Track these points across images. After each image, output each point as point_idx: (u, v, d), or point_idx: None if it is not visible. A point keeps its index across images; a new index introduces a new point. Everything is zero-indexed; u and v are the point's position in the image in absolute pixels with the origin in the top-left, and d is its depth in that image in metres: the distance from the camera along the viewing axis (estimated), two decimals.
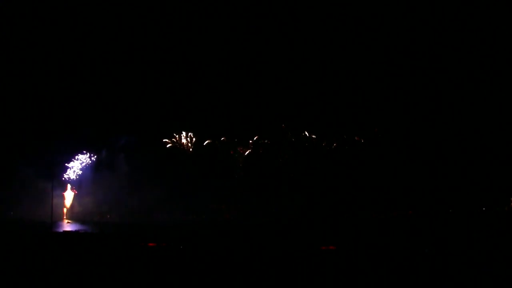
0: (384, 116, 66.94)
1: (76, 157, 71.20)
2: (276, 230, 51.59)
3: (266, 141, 69.87)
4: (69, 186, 71.27)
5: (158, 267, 26.86)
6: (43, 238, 40.32)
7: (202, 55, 71.64)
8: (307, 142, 69.10)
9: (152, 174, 66.71)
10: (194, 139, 71.93)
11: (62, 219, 66.83)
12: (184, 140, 71.81)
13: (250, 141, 70.01)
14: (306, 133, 69.20)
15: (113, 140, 70.03)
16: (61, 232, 46.14)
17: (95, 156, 71.41)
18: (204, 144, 71.23)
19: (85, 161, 71.47)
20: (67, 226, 59.15)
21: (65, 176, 70.99)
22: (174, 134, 71.74)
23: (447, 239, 35.63)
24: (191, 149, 71.65)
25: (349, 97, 68.64)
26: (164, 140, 71.28)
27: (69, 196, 71.05)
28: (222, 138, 70.30)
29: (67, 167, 71.04)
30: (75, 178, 71.28)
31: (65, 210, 70.33)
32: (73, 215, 69.70)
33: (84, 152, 71.20)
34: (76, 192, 71.14)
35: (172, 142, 71.71)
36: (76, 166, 71.36)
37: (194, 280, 23.03)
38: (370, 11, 67.39)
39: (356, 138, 66.66)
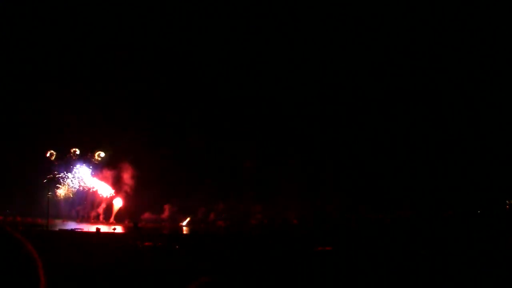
0: (384, 116, 66.76)
1: (76, 151, 70.79)
2: (273, 231, 51.40)
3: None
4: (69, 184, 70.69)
5: (155, 267, 26.64)
6: (40, 236, 40.21)
7: (202, 55, 71.44)
8: (306, 142, 68.80)
9: (151, 174, 66.32)
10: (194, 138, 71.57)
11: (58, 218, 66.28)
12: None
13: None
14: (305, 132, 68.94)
15: (114, 140, 69.44)
16: (56, 231, 46.02)
17: (97, 155, 70.91)
18: (204, 143, 70.88)
19: (87, 159, 71.09)
20: (62, 225, 58.85)
21: (63, 174, 70.66)
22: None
23: (446, 240, 35.41)
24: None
25: (349, 97, 68.44)
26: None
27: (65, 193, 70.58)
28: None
29: (67, 164, 70.68)
30: (74, 175, 70.91)
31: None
32: (70, 214, 69.19)
33: (84, 149, 70.78)
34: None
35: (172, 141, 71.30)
36: (75, 164, 71.03)
37: (189, 280, 22.76)
38: (370, 11, 67.17)
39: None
